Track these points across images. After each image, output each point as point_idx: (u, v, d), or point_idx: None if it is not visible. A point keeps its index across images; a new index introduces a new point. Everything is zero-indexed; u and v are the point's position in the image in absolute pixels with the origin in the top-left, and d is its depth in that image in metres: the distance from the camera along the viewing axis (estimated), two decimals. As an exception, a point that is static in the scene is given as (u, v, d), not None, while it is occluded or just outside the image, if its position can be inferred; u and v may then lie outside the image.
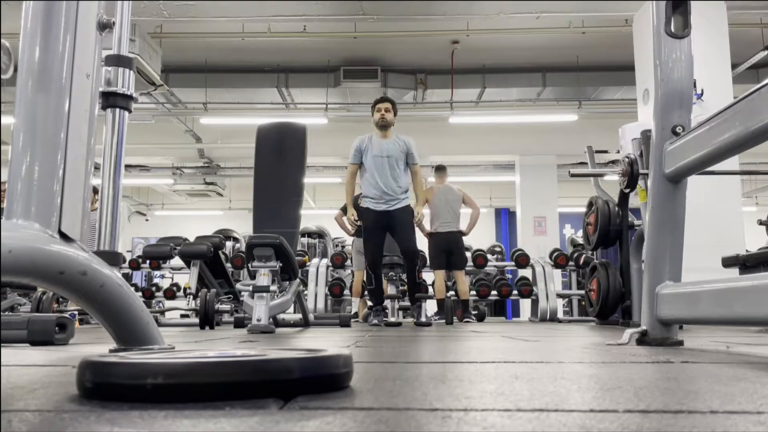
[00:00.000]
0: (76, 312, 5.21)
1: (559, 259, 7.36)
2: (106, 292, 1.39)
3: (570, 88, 9.89)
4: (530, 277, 7.40)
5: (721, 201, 6.04)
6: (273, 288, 3.83)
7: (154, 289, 7.66)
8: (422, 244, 6.59)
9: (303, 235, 9.54)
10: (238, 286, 6.01)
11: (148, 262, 7.12)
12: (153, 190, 16.02)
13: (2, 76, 1.50)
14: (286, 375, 0.71)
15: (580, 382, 0.95)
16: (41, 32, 1.41)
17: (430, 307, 7.53)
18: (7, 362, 1.32)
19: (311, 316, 4.65)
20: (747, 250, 4.87)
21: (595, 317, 4.93)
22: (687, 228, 1.96)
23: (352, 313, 7.12)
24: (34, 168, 1.36)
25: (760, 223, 4.95)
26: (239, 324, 4.52)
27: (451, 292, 6.75)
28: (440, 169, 6.73)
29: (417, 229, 5.09)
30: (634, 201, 4.56)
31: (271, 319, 3.80)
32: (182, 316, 6.62)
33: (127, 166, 12.07)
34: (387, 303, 5.08)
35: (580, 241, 8.04)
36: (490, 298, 7.42)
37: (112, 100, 1.68)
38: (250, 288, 3.88)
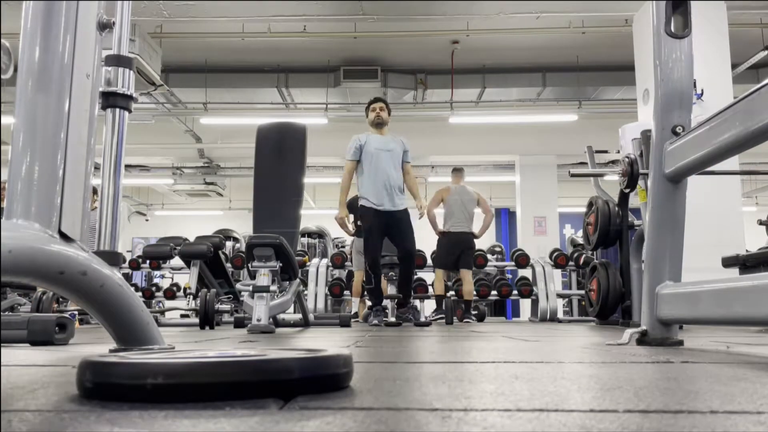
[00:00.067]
0: (76, 312, 5.21)
1: (559, 259, 7.36)
2: (106, 292, 1.39)
3: (570, 88, 9.89)
4: (530, 277, 7.40)
5: (721, 201, 6.04)
6: (273, 288, 3.83)
7: (154, 289, 7.66)
8: (425, 244, 6.60)
9: (303, 235, 9.54)
10: (238, 286, 6.02)
11: (148, 262, 7.13)
12: (153, 190, 16.02)
13: (2, 76, 1.50)
14: (286, 375, 0.71)
15: (580, 382, 0.95)
16: (41, 32, 1.41)
17: (429, 307, 7.54)
18: (7, 362, 1.32)
19: (311, 316, 4.65)
20: (747, 250, 4.88)
21: (595, 317, 4.93)
22: (687, 228, 1.96)
23: (352, 313, 7.12)
24: (34, 168, 1.36)
25: (760, 223, 4.95)
26: (239, 324, 4.52)
27: (451, 293, 6.75)
28: (457, 170, 6.78)
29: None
30: (634, 201, 4.56)
31: (271, 319, 3.80)
32: (182, 316, 6.62)
33: (127, 166, 12.07)
34: (387, 303, 5.08)
35: (580, 241, 8.04)
36: (490, 298, 7.43)
37: (112, 100, 1.68)
38: (250, 288, 3.88)
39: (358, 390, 0.80)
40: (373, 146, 4.87)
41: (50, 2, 1.42)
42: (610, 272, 4.68)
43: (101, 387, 0.70)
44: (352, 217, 7.04)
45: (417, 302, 6.92)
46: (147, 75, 7.48)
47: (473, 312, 6.74)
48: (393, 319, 4.90)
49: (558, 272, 7.63)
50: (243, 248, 7.50)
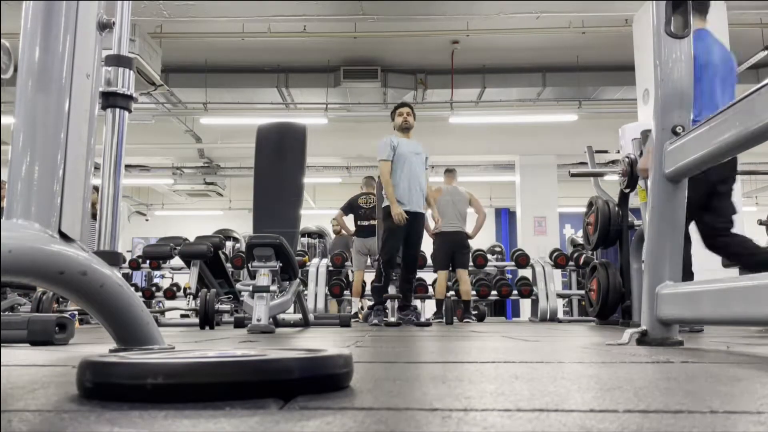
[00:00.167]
0: (76, 312, 5.21)
1: (559, 259, 7.36)
2: (106, 292, 1.39)
3: (570, 88, 9.89)
4: (530, 277, 7.40)
5: (721, 201, 6.02)
6: (273, 288, 3.82)
7: (154, 289, 7.66)
8: (425, 244, 6.61)
9: (303, 235, 9.54)
10: (238, 286, 6.02)
11: (148, 262, 7.13)
12: (153, 190, 16.02)
13: (2, 76, 1.50)
14: (286, 375, 0.71)
15: (580, 382, 0.95)
16: (41, 32, 1.41)
17: (429, 307, 7.53)
18: (7, 362, 1.32)
19: (311, 316, 4.65)
20: (747, 250, 4.86)
21: (595, 317, 4.93)
22: (687, 228, 1.96)
23: (352, 313, 7.12)
24: (34, 168, 1.36)
25: (760, 223, 4.95)
26: (239, 324, 4.52)
27: (451, 293, 6.75)
28: (449, 171, 6.87)
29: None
30: (634, 201, 4.56)
31: (271, 319, 3.80)
32: (182, 316, 6.61)
33: (127, 166, 12.07)
34: (387, 303, 5.09)
35: (580, 241, 8.04)
36: (490, 298, 7.43)
37: (112, 100, 1.68)
38: (250, 288, 3.88)
39: (358, 390, 0.80)
40: (405, 149, 4.98)
41: (50, 2, 1.42)
42: (610, 272, 4.68)
43: (101, 387, 0.70)
44: (352, 216, 7.05)
45: (417, 302, 6.93)
46: (147, 75, 7.48)
47: (473, 312, 6.75)
48: (393, 319, 4.90)
49: (558, 272, 7.63)
50: (243, 248, 7.50)
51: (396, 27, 8.27)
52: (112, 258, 1.56)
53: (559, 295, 7.55)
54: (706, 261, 4.09)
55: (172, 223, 15.48)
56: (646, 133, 3.57)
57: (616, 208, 4.82)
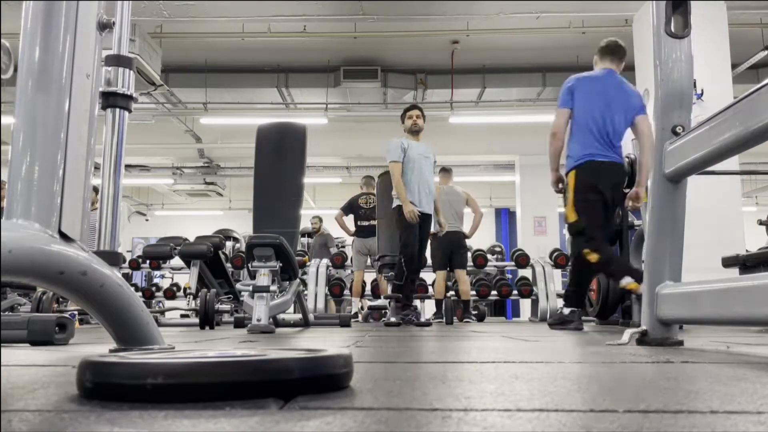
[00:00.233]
0: (76, 312, 5.21)
1: (559, 259, 7.35)
2: (106, 292, 1.39)
3: (570, 88, 9.88)
4: (530, 277, 7.40)
5: (721, 201, 6.04)
6: (273, 288, 3.83)
7: (154, 289, 7.66)
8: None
9: (303, 235, 9.54)
10: (238, 286, 6.02)
11: (148, 262, 7.12)
12: (153, 190, 16.02)
13: (2, 76, 1.50)
14: (286, 375, 0.71)
15: (580, 382, 0.95)
16: (41, 32, 1.41)
17: (429, 307, 7.53)
18: (7, 362, 1.32)
19: (311, 316, 4.65)
20: (747, 250, 4.87)
21: (595, 317, 4.93)
22: (687, 228, 1.96)
23: (352, 313, 7.12)
24: (34, 168, 1.36)
25: (760, 223, 4.95)
26: (239, 324, 4.52)
27: (451, 293, 6.75)
28: (445, 171, 6.86)
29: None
30: (634, 201, 4.55)
31: (271, 319, 3.80)
32: (182, 316, 6.61)
33: (127, 166, 12.07)
34: (387, 303, 5.09)
35: (580, 241, 8.02)
36: (490, 298, 7.42)
37: (112, 100, 1.68)
38: (250, 288, 3.88)
39: (358, 390, 0.80)
40: (415, 152, 5.00)
41: (50, 2, 1.42)
42: (610, 272, 4.67)
43: (101, 387, 0.70)
44: (352, 216, 7.05)
45: (417, 302, 6.92)
46: (147, 75, 7.48)
47: (473, 312, 6.74)
48: (393, 319, 4.90)
49: (558, 272, 7.63)
50: (243, 248, 7.50)
51: (396, 27, 8.27)
52: (112, 258, 1.56)
53: (559, 295, 7.54)
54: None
55: (172, 223, 15.48)
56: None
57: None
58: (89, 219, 1.96)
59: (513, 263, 7.51)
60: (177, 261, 6.26)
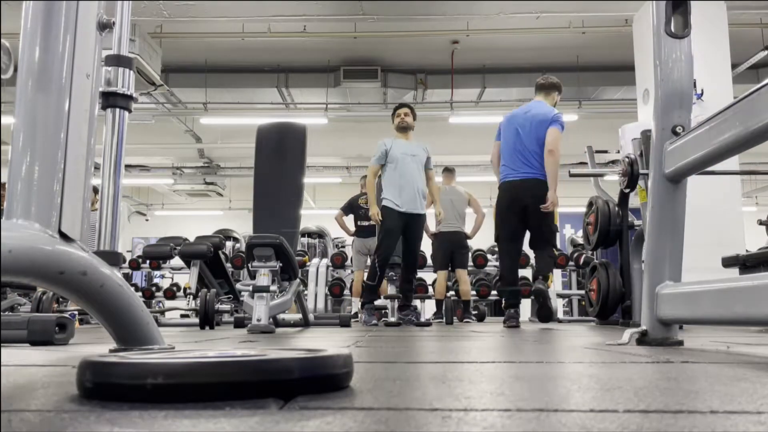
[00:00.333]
0: (76, 312, 5.21)
1: (559, 259, 7.35)
2: (106, 292, 1.39)
3: (570, 88, 9.87)
4: (530, 277, 7.39)
5: (721, 201, 6.04)
6: (273, 288, 3.83)
7: (154, 289, 7.66)
8: (425, 244, 6.61)
9: (303, 235, 9.54)
10: (238, 286, 6.02)
11: (148, 262, 7.12)
12: (153, 190, 16.02)
13: (2, 76, 1.50)
14: (286, 375, 0.71)
15: (580, 382, 0.95)
16: (41, 32, 1.41)
17: (429, 307, 7.53)
18: (7, 362, 1.32)
19: (311, 316, 4.65)
20: (747, 250, 4.87)
21: (595, 317, 4.93)
22: (687, 228, 1.96)
23: (352, 313, 7.12)
24: (34, 168, 1.36)
25: (760, 223, 4.95)
26: (239, 324, 4.52)
27: (451, 293, 6.75)
28: (448, 171, 6.86)
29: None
30: (634, 201, 4.56)
31: (271, 319, 3.80)
32: (182, 316, 6.61)
33: (127, 166, 12.07)
34: (387, 303, 5.09)
35: (580, 241, 8.03)
36: (490, 298, 7.42)
37: (112, 100, 1.68)
38: (250, 288, 3.88)
39: (358, 390, 0.80)
40: (399, 151, 5.01)
41: (50, 2, 1.42)
42: (610, 272, 4.67)
43: (101, 387, 0.70)
44: (352, 217, 7.04)
45: (417, 302, 6.92)
46: (147, 75, 7.49)
47: (473, 312, 6.74)
48: (393, 319, 4.90)
49: (558, 272, 7.62)
50: (243, 248, 7.50)
51: (396, 27, 8.27)
52: (112, 258, 1.56)
53: (559, 295, 7.54)
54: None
55: (172, 223, 15.47)
56: (646, 133, 3.57)
57: (616, 208, 4.82)
58: (89, 219, 1.96)
59: (513, 263, 7.48)
60: (177, 261, 6.26)
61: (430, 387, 0.86)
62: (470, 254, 7.30)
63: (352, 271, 7.14)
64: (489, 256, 7.59)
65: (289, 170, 4.47)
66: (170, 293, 7.35)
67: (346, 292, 7.25)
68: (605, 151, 6.68)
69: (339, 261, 7.35)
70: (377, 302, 5.24)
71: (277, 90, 9.85)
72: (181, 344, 2.16)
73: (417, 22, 8.13)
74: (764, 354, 1.60)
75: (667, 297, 1.89)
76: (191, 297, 5.80)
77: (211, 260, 5.76)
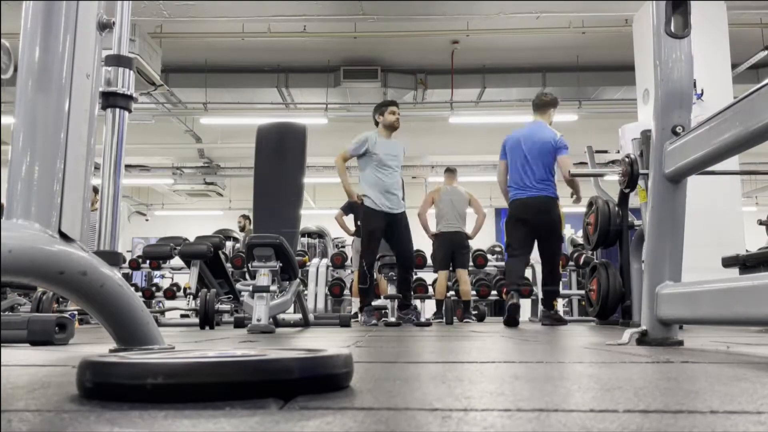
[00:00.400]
0: (76, 312, 5.21)
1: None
2: (106, 292, 1.39)
3: (570, 88, 9.89)
4: (530, 277, 7.40)
5: (721, 201, 6.03)
6: (273, 288, 3.83)
7: (154, 289, 7.66)
8: (426, 243, 6.61)
9: (303, 235, 9.54)
10: (238, 286, 6.02)
11: (148, 262, 7.12)
12: (153, 190, 16.02)
13: (2, 76, 1.50)
14: (286, 375, 0.71)
15: (580, 382, 0.95)
16: (41, 32, 1.41)
17: (429, 307, 7.53)
18: (7, 362, 1.32)
19: (311, 316, 4.65)
20: (747, 250, 4.87)
21: (595, 317, 4.93)
22: (687, 228, 1.96)
23: (352, 313, 7.12)
24: (34, 168, 1.36)
25: (760, 223, 4.95)
26: (239, 324, 4.52)
27: (451, 293, 6.75)
28: (450, 171, 6.86)
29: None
30: (634, 201, 4.55)
31: (271, 319, 3.80)
32: (182, 316, 6.61)
33: (127, 166, 12.07)
34: (387, 303, 5.09)
35: (580, 241, 8.04)
36: (490, 298, 7.42)
37: (112, 100, 1.68)
38: (250, 288, 3.88)
39: (358, 390, 0.80)
40: (383, 151, 5.00)
41: (50, 2, 1.42)
42: (610, 272, 4.67)
43: (101, 387, 0.70)
44: (352, 216, 7.04)
45: (417, 302, 6.92)
46: (147, 75, 7.48)
47: (473, 312, 6.74)
48: (393, 319, 4.90)
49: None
50: (243, 248, 7.50)
51: (396, 27, 8.27)
52: (112, 258, 1.56)
53: (560, 296, 7.53)
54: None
55: (172, 223, 15.48)
56: (646, 133, 3.57)
57: (616, 208, 4.82)
58: (89, 219, 1.96)
59: (513, 263, 7.49)
60: (177, 261, 6.26)
61: (430, 387, 0.86)
62: (471, 254, 7.30)
63: (352, 271, 7.13)
64: (489, 256, 7.60)
65: (289, 170, 4.47)
66: (170, 293, 7.35)
67: (346, 292, 7.25)
68: (605, 151, 6.68)
69: (339, 261, 7.35)
70: (377, 302, 5.24)
71: (277, 90, 9.85)
72: (181, 344, 2.16)
73: (417, 22, 8.13)
74: (764, 354, 1.60)
75: (667, 297, 1.89)
76: (191, 297, 5.79)
77: (211, 260, 5.76)
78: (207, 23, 8.13)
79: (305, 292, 6.77)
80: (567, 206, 13.74)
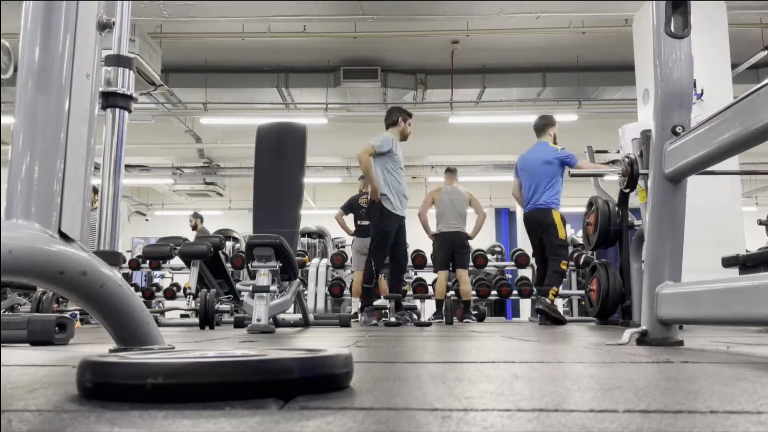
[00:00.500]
0: (76, 312, 5.21)
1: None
2: (106, 292, 1.39)
3: (570, 88, 9.89)
4: (530, 277, 7.40)
5: (721, 201, 6.03)
6: (273, 288, 3.83)
7: (154, 289, 7.66)
8: (426, 243, 6.62)
9: (303, 235, 9.54)
10: (238, 286, 6.02)
11: (148, 262, 7.12)
12: (153, 190, 16.02)
13: (2, 76, 1.50)
14: (286, 375, 0.71)
15: (580, 382, 0.95)
16: (41, 32, 1.41)
17: (429, 307, 7.53)
18: (7, 362, 1.32)
19: (311, 316, 4.65)
20: (747, 250, 4.87)
21: (595, 317, 4.93)
22: (687, 228, 1.96)
23: (352, 313, 7.12)
24: (34, 168, 1.36)
25: (760, 223, 4.95)
26: (239, 324, 4.52)
27: (451, 292, 6.75)
28: (450, 171, 6.85)
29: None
30: (634, 201, 4.55)
31: (271, 319, 3.80)
32: (182, 316, 6.61)
33: (127, 166, 12.07)
34: (387, 303, 5.09)
35: (580, 241, 8.03)
36: (490, 298, 7.42)
37: (112, 100, 1.68)
38: (250, 288, 3.88)
39: (358, 390, 0.80)
40: (401, 156, 5.16)
41: (50, 2, 1.42)
42: (610, 272, 4.68)
43: (101, 387, 0.70)
44: (352, 216, 7.04)
45: (417, 302, 6.93)
46: (147, 75, 7.48)
47: (473, 312, 6.74)
48: (393, 320, 4.90)
49: (557, 272, 7.61)
50: (243, 248, 7.50)
51: (396, 27, 8.27)
52: (112, 258, 1.56)
53: (559, 295, 7.53)
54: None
55: (172, 223, 15.47)
56: (646, 133, 3.57)
57: (616, 208, 4.82)
58: (89, 219, 1.96)
59: (513, 263, 7.51)
60: (177, 261, 6.26)
61: (430, 387, 0.86)
62: (471, 254, 7.30)
63: (352, 271, 7.14)
64: (489, 257, 7.60)
65: (289, 170, 4.47)
66: (170, 293, 7.36)
67: (346, 292, 7.25)
68: (605, 151, 6.67)
69: (339, 261, 7.35)
70: (377, 302, 5.25)
71: (277, 90, 9.85)
72: (181, 344, 2.16)
73: (417, 22, 8.13)
74: (764, 354, 1.60)
75: (667, 297, 1.89)
76: (191, 297, 5.80)
77: (211, 260, 5.76)
78: (207, 23, 8.13)
79: (305, 292, 6.77)
80: (567, 206, 13.75)
